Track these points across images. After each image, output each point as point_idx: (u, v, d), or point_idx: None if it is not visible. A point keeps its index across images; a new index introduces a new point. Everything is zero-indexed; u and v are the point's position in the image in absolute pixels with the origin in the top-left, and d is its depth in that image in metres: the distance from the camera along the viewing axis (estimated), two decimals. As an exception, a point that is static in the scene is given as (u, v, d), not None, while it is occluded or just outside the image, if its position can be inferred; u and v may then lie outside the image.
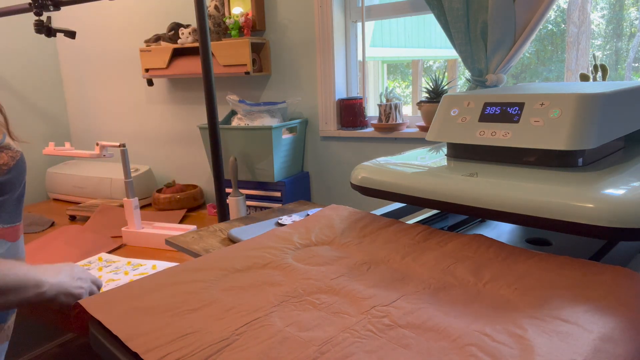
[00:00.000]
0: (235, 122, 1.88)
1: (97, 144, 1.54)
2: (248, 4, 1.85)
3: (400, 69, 5.44)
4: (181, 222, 1.90)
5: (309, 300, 0.56)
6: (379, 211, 0.92)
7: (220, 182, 1.52)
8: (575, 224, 0.57)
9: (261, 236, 0.77)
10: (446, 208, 0.70)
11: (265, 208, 1.82)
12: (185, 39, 1.92)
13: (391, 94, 1.72)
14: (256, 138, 1.74)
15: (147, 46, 2.05)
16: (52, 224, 1.95)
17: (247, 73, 1.81)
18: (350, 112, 1.80)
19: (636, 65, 3.52)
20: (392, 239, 0.72)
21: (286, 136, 1.81)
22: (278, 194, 1.82)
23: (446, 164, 0.79)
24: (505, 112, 0.74)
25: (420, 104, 1.61)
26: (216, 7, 1.86)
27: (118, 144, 1.53)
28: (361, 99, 1.80)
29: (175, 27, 2.00)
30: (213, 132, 1.49)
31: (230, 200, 1.71)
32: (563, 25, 3.79)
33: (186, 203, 2.06)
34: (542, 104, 0.71)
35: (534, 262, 0.60)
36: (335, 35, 1.77)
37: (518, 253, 0.64)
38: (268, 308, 0.54)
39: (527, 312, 0.50)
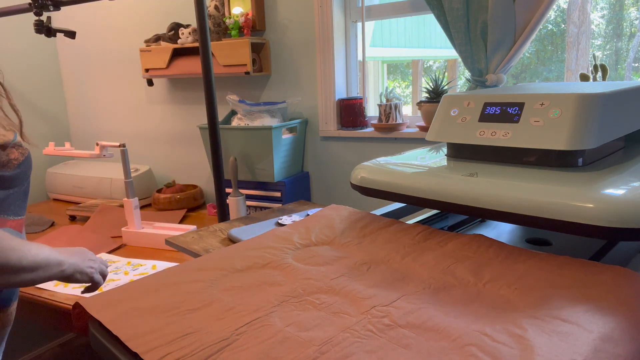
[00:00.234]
0: (235, 122, 1.88)
1: (97, 144, 1.54)
2: (248, 4, 1.85)
3: (400, 69, 5.44)
4: (181, 222, 1.90)
5: (309, 300, 0.56)
6: (379, 211, 0.92)
7: (220, 182, 1.52)
8: (575, 224, 0.57)
9: (261, 236, 0.77)
10: (446, 208, 0.70)
11: (265, 208, 1.82)
12: (185, 39, 1.92)
13: (391, 94, 1.72)
14: (256, 138, 1.74)
15: (147, 46, 2.05)
16: (52, 224, 1.95)
17: (247, 73, 1.81)
18: (350, 112, 1.80)
19: (636, 65, 3.52)
20: (392, 239, 0.72)
21: (286, 136, 1.81)
22: (278, 194, 1.82)
23: (446, 164, 0.79)
24: (505, 112, 0.74)
25: (420, 104, 1.61)
26: (216, 7, 1.86)
27: (118, 144, 1.53)
28: (361, 99, 1.80)
29: (175, 27, 2.00)
30: (213, 132, 1.49)
31: (230, 200, 1.71)
32: (563, 25, 3.79)
33: (186, 203, 2.06)
34: (542, 104, 0.71)
35: (534, 262, 0.60)
36: (335, 35, 1.77)
37: (518, 253, 0.64)
38: (268, 308, 0.54)
39: (527, 312, 0.50)
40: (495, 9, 1.33)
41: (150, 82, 2.16)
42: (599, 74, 1.28)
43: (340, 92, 1.84)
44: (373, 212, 0.88)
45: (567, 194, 0.59)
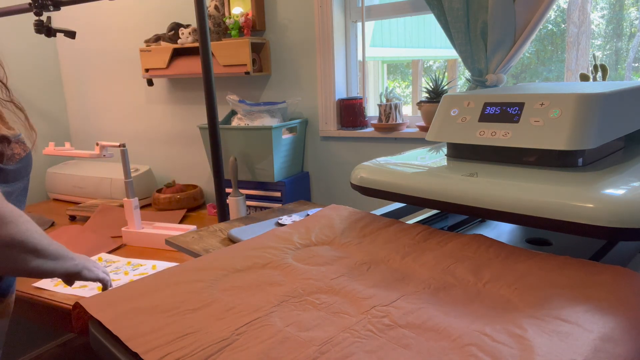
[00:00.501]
0: (235, 122, 1.88)
1: (97, 144, 1.54)
2: (248, 4, 1.85)
3: (400, 69, 5.44)
4: (181, 222, 1.90)
5: (309, 300, 0.56)
6: (379, 211, 0.92)
7: (220, 182, 1.52)
8: (575, 224, 0.57)
9: (261, 236, 0.77)
10: (446, 208, 0.70)
11: (265, 208, 1.82)
12: (185, 39, 1.92)
13: (391, 94, 1.72)
14: (256, 138, 1.74)
15: (147, 46, 2.05)
16: (52, 224, 1.95)
17: (247, 73, 1.81)
18: (350, 112, 1.80)
19: (636, 65, 3.52)
20: (392, 239, 0.72)
21: (286, 136, 1.81)
22: (278, 194, 1.82)
23: (446, 164, 0.79)
24: (505, 112, 0.74)
25: (420, 104, 1.61)
26: (216, 7, 1.86)
27: (118, 144, 1.53)
28: (361, 99, 1.80)
29: (175, 27, 2.00)
30: (213, 132, 1.49)
31: (230, 200, 1.71)
32: (563, 25, 3.79)
33: (186, 203, 2.06)
34: (542, 104, 0.71)
35: (534, 262, 0.60)
36: (335, 35, 1.77)
37: (518, 253, 0.64)
38: (268, 308, 0.54)
39: (527, 312, 0.50)
40: (495, 9, 1.33)
41: (150, 82, 2.16)
42: (599, 74, 1.28)
43: (340, 92, 1.84)
44: (373, 212, 0.88)
45: (567, 194, 0.59)
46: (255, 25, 1.87)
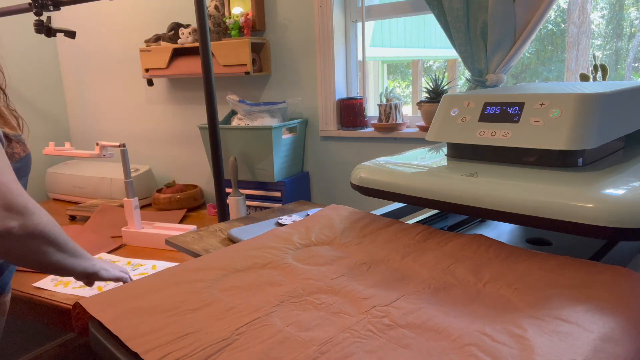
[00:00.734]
0: (235, 122, 1.88)
1: (97, 144, 1.54)
2: (248, 4, 1.85)
3: (400, 69, 5.45)
4: (181, 222, 1.90)
5: (309, 300, 0.56)
6: (379, 211, 0.92)
7: (220, 182, 1.52)
8: (575, 224, 0.57)
9: (261, 236, 0.77)
10: (446, 208, 0.70)
11: (265, 208, 1.82)
12: (185, 39, 1.92)
13: (391, 94, 1.72)
14: (256, 138, 1.74)
15: (147, 46, 2.05)
16: (52, 224, 1.95)
17: (247, 73, 1.81)
18: (350, 112, 1.80)
19: (636, 65, 3.52)
20: (392, 239, 0.72)
21: (286, 136, 1.81)
22: (278, 194, 1.82)
23: (446, 164, 0.79)
24: (505, 112, 0.74)
25: (420, 104, 1.61)
26: (216, 7, 1.86)
27: (118, 144, 1.53)
28: (361, 99, 1.80)
29: (175, 27, 2.00)
30: (213, 132, 1.49)
31: (230, 200, 1.71)
32: (563, 25, 3.79)
33: (186, 203, 2.06)
34: (542, 104, 0.71)
35: (534, 262, 0.60)
36: (335, 35, 1.77)
37: (518, 253, 0.64)
38: (268, 308, 0.54)
39: (527, 312, 0.50)
40: (495, 9, 1.33)
41: (150, 82, 2.16)
42: (599, 74, 1.28)
43: (340, 92, 1.84)
44: (373, 212, 0.88)
45: (567, 194, 0.59)
46: (255, 25, 1.87)
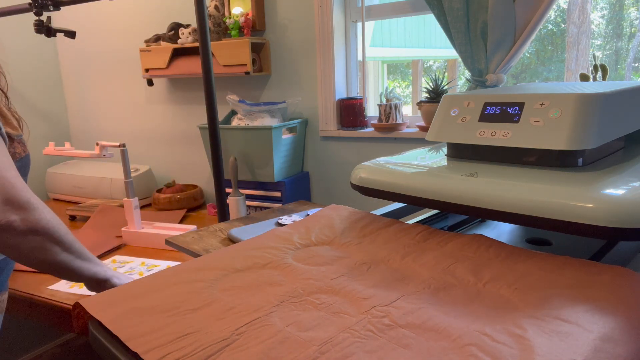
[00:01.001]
0: (235, 122, 1.88)
1: (97, 144, 1.54)
2: (248, 4, 1.85)
3: (400, 69, 5.45)
4: (181, 222, 1.90)
5: (309, 300, 0.56)
6: (379, 211, 0.92)
7: (220, 182, 1.52)
8: (575, 224, 0.57)
9: (261, 236, 0.77)
10: (446, 208, 0.70)
11: (265, 208, 1.82)
12: (185, 39, 1.92)
13: (391, 94, 1.72)
14: (256, 138, 1.74)
15: (147, 46, 2.05)
16: (52, 224, 1.95)
17: (247, 73, 1.81)
18: (350, 112, 1.80)
19: (636, 65, 3.52)
20: (392, 239, 0.72)
21: (286, 136, 1.81)
22: (278, 194, 1.82)
23: (446, 164, 0.79)
24: (505, 112, 0.74)
25: (420, 104, 1.61)
26: (216, 7, 1.86)
27: (118, 144, 1.53)
28: (361, 99, 1.80)
29: (175, 27, 2.00)
30: (213, 132, 1.49)
31: (230, 200, 1.71)
32: (563, 25, 3.79)
33: (186, 203, 2.06)
34: (542, 104, 0.71)
35: (534, 262, 0.60)
36: (335, 35, 1.77)
37: (518, 253, 0.64)
38: (268, 308, 0.54)
39: (527, 312, 0.50)
40: (495, 9, 1.33)
41: (150, 82, 2.16)
42: (599, 74, 1.28)
43: (340, 92, 1.84)
44: (373, 212, 0.88)
45: (567, 194, 0.59)
46: (255, 25, 1.87)
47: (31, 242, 0.75)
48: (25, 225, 0.73)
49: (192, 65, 1.94)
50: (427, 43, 5.27)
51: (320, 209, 0.99)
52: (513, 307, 0.52)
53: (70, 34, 1.79)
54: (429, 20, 4.68)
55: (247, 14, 1.83)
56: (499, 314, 0.50)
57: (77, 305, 0.59)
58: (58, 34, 1.77)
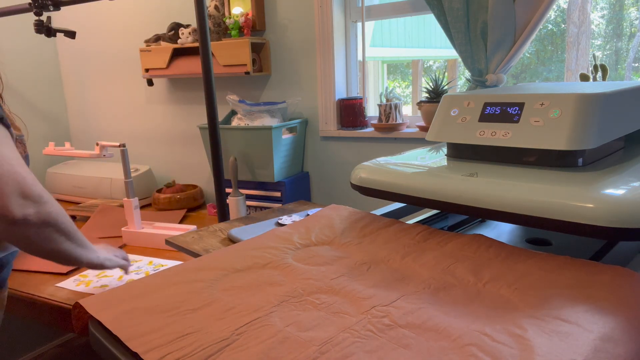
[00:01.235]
0: (235, 122, 1.88)
1: (97, 144, 1.54)
2: (248, 4, 1.85)
3: (400, 69, 5.45)
4: (181, 222, 1.90)
5: (309, 300, 0.56)
6: (379, 211, 0.92)
7: (220, 182, 1.52)
8: (575, 224, 0.57)
9: (261, 236, 0.77)
10: (446, 208, 0.70)
11: (265, 208, 1.82)
12: (185, 39, 1.92)
13: (391, 94, 1.72)
14: (256, 138, 1.74)
15: (147, 46, 2.05)
16: (52, 224, 1.95)
17: (247, 73, 1.81)
18: (350, 112, 1.80)
19: (636, 65, 3.52)
20: (392, 239, 0.72)
21: (286, 136, 1.81)
22: (278, 194, 1.82)
23: (446, 164, 0.79)
24: (505, 112, 0.74)
25: (420, 104, 1.61)
26: (216, 7, 1.86)
27: (118, 144, 1.53)
28: (361, 99, 1.80)
29: (175, 27, 2.00)
30: (213, 132, 1.49)
31: (230, 200, 1.71)
32: (563, 25, 3.79)
33: (186, 203, 2.06)
34: (542, 104, 0.71)
35: (534, 262, 0.60)
36: (335, 35, 1.77)
37: (518, 253, 0.64)
38: (268, 308, 0.54)
39: (527, 312, 0.50)
40: (495, 9, 1.33)
41: (150, 82, 2.16)
42: (599, 74, 1.28)
43: (340, 92, 1.84)
44: (373, 212, 0.88)
45: (567, 194, 0.59)
46: (255, 25, 1.87)
47: (43, 234, 0.79)
48: (38, 219, 0.77)
49: (192, 65, 1.94)
50: (427, 43, 5.27)
51: (320, 209, 0.99)
52: (513, 307, 0.52)
53: (70, 34, 1.79)
54: (429, 20, 4.68)
55: (247, 14, 1.83)
56: (499, 314, 0.50)
57: (77, 305, 0.59)
58: (58, 34, 1.77)
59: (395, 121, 1.69)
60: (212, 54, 1.54)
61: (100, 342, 0.53)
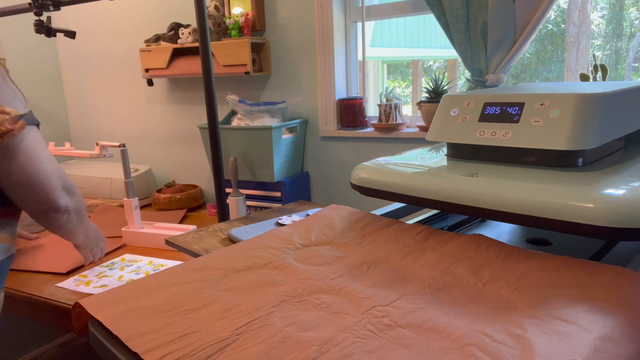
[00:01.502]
0: (235, 122, 1.88)
1: (97, 144, 1.54)
2: (248, 4, 1.85)
3: (400, 69, 5.45)
4: (181, 222, 1.90)
5: (309, 300, 0.56)
6: (379, 211, 0.92)
7: (220, 182, 1.52)
8: (575, 224, 0.57)
9: (261, 236, 0.77)
10: (446, 208, 0.70)
11: (265, 208, 1.82)
12: (185, 39, 1.92)
13: (391, 94, 1.72)
14: (256, 138, 1.74)
15: (147, 46, 2.05)
16: (52, 224, 1.95)
17: (247, 73, 1.81)
18: (350, 112, 1.80)
19: (636, 65, 3.52)
20: (392, 239, 0.72)
21: (286, 136, 1.81)
22: (278, 194, 1.82)
23: (446, 164, 0.79)
24: (505, 112, 0.74)
25: (420, 104, 1.61)
26: (216, 7, 1.86)
27: (118, 144, 1.53)
28: (361, 99, 1.80)
29: (175, 27, 2.00)
30: (213, 132, 1.49)
31: (230, 200, 1.71)
32: (563, 25, 3.79)
33: (186, 203, 2.06)
34: (542, 104, 0.71)
35: (534, 262, 0.60)
36: (335, 35, 1.77)
37: (518, 253, 0.64)
38: (268, 308, 0.54)
39: (527, 312, 0.50)
40: (495, 9, 1.33)
41: (150, 82, 2.16)
42: (599, 74, 1.28)
43: (340, 92, 1.84)
44: (373, 212, 0.88)
45: (567, 194, 0.59)
46: (255, 25, 1.87)
47: (73, 219, 0.96)
48: (73, 207, 0.94)
49: (192, 65, 1.94)
50: (427, 43, 5.27)
51: (320, 209, 0.99)
52: (513, 307, 0.52)
53: (70, 34, 1.79)
54: (429, 20, 4.68)
55: (247, 14, 1.83)
56: (499, 314, 0.50)
57: (77, 305, 0.59)
58: (58, 34, 1.77)
59: (395, 121, 1.69)
60: (212, 54, 1.54)
61: (100, 342, 0.53)
